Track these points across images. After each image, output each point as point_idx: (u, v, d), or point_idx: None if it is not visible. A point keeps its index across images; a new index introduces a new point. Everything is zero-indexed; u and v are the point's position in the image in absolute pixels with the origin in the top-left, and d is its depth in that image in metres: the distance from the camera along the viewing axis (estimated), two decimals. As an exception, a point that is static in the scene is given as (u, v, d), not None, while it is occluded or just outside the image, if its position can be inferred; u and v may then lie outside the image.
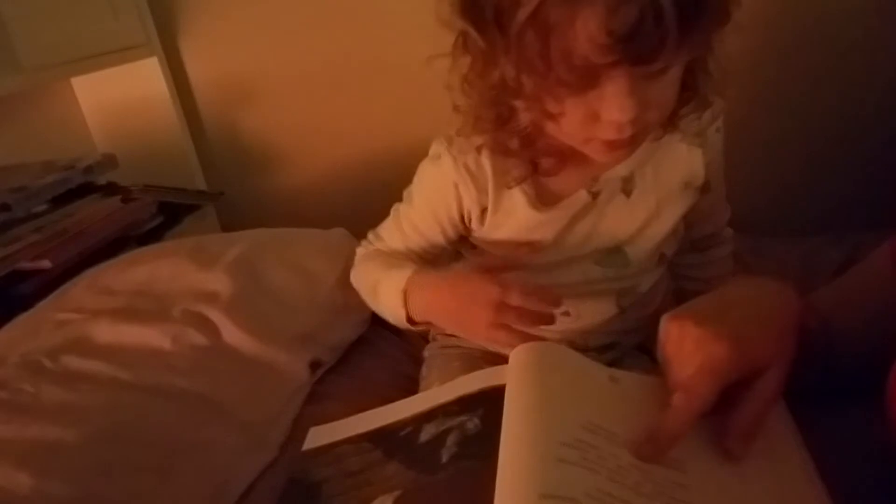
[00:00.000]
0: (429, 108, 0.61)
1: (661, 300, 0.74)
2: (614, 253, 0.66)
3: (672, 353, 0.49)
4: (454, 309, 0.61)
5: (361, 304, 0.89)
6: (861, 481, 0.48)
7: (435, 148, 0.66)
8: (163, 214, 1.24)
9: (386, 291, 0.65)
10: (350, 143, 1.42)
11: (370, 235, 0.74)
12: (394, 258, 0.69)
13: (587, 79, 0.49)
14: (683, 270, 0.77)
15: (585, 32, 0.45)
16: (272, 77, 1.40)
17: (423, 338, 0.84)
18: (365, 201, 1.28)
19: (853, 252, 0.94)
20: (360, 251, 0.74)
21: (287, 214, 1.52)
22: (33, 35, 1.07)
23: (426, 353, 0.79)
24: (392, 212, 0.72)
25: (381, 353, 0.88)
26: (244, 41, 1.38)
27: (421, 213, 0.69)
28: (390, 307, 0.65)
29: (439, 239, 0.69)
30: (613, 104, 0.49)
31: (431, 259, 0.71)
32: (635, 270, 0.67)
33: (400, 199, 0.72)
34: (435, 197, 0.66)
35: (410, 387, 0.77)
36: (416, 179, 0.69)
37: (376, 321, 0.92)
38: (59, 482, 0.58)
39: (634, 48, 0.46)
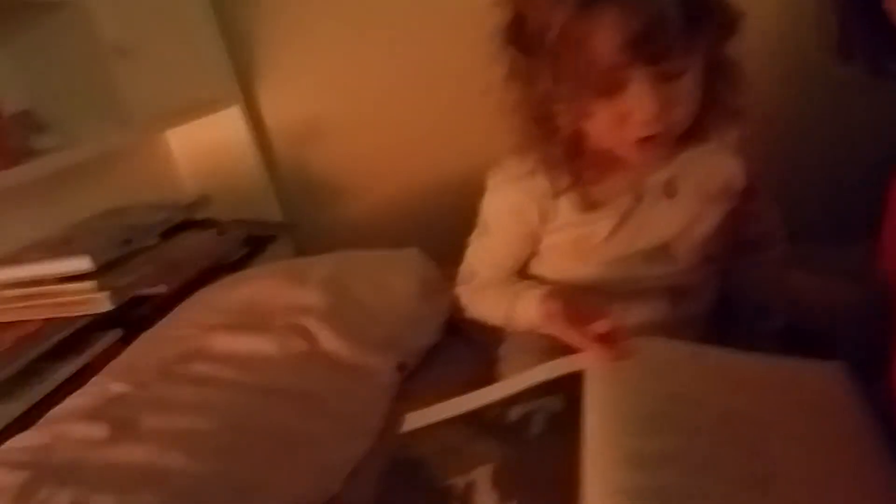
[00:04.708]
0: (486, 138, 0.70)
1: (711, 299, 0.79)
2: (660, 252, 0.73)
3: None
4: None
5: (437, 314, 1.00)
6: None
7: (491, 180, 0.76)
8: (248, 245, 1.37)
9: (527, 318, 0.73)
10: (412, 174, 1.52)
11: (465, 275, 0.83)
12: (501, 287, 0.78)
13: (613, 82, 0.59)
14: (737, 272, 0.80)
15: (604, 41, 0.57)
16: (339, 117, 1.52)
17: (492, 343, 0.92)
18: (427, 228, 1.38)
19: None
20: (465, 291, 0.83)
21: (354, 242, 1.63)
22: (141, 93, 1.20)
23: (501, 352, 0.86)
24: (470, 252, 0.81)
25: (455, 357, 0.97)
26: (313, 86, 1.51)
27: (504, 240, 0.78)
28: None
29: (527, 252, 0.78)
30: (638, 104, 0.60)
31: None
32: (682, 269, 0.74)
33: (461, 223, 0.80)
34: (509, 221, 0.76)
35: (483, 386, 0.85)
36: (485, 213, 0.78)
37: (449, 329, 1.02)
38: (200, 462, 0.70)
39: (647, 49, 0.57)
